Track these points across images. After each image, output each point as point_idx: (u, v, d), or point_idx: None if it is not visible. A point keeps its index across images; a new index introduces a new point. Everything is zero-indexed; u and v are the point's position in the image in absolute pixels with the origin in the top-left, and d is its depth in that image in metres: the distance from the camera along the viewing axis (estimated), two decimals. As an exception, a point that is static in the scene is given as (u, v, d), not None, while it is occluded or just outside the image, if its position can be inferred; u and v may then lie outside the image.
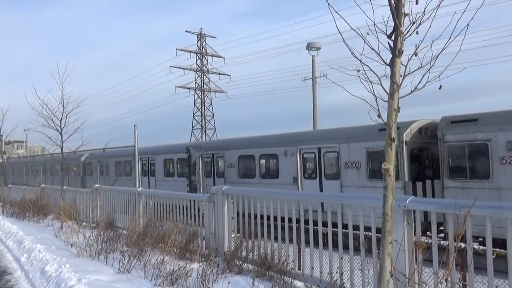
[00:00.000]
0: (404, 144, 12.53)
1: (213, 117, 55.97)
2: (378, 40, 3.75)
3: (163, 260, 6.90)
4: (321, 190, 14.66)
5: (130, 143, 19.76)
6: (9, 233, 12.69)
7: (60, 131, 13.71)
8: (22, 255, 9.62)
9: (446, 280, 4.00)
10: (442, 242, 4.32)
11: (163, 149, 24.25)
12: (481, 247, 4.15)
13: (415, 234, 4.52)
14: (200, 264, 6.76)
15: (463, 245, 4.02)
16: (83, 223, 12.57)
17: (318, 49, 26.49)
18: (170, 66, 53.62)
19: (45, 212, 15.51)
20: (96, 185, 13.42)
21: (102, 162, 27.02)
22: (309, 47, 26.31)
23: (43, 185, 19.22)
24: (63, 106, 13.55)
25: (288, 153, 16.03)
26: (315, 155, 15.19)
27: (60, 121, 13.62)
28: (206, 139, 51.10)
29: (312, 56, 26.71)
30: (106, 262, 7.71)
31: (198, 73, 55.46)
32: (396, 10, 3.62)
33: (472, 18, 3.58)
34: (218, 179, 19.48)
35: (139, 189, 10.93)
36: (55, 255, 8.45)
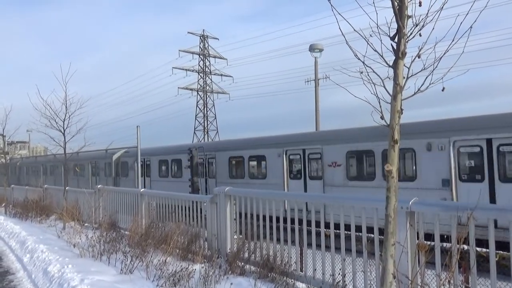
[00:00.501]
0: None
1: (216, 118, 56.09)
2: (381, 42, 3.76)
3: (165, 261, 6.92)
4: (492, 198, 10.95)
5: (133, 144, 19.74)
6: (12, 233, 12.72)
7: (63, 131, 13.77)
8: (25, 255, 9.65)
9: (449, 282, 4.00)
10: (445, 244, 4.30)
11: (228, 145, 19.39)
12: (484, 249, 4.13)
13: (418, 236, 4.52)
14: (203, 265, 6.77)
15: (466, 247, 4.02)
16: (86, 224, 12.59)
17: (320, 50, 26.52)
18: (173, 67, 53.81)
19: (48, 212, 15.57)
20: (99, 186, 13.46)
21: (142, 160, 23.08)
22: (312, 48, 26.34)
23: (45, 185, 19.27)
24: (66, 106, 13.63)
25: (433, 147, 12.07)
26: (481, 149, 11.14)
27: (63, 121, 13.69)
28: (208, 140, 51.09)
29: (315, 58, 26.75)
30: (109, 262, 7.73)
31: (200, 74, 55.57)
32: (400, 12, 3.62)
33: (475, 20, 3.58)
34: (312, 181, 15.37)
35: (141, 190, 10.95)
36: (57, 256, 8.48)
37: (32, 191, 19.49)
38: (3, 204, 21.03)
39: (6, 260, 10.09)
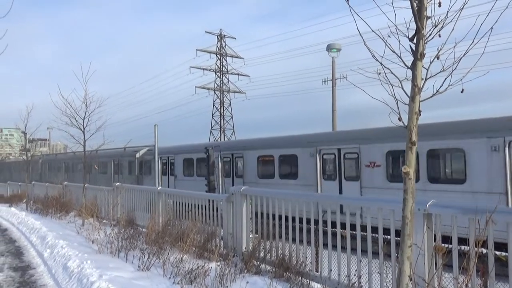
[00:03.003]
0: None
1: (232, 117, 56.26)
2: (400, 43, 3.74)
3: (182, 258, 6.99)
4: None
5: (151, 142, 19.89)
6: (33, 229, 13.01)
7: (83, 129, 14.02)
8: (45, 251, 9.86)
9: (466, 285, 3.96)
10: (463, 247, 4.25)
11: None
12: (503, 253, 4.07)
13: (435, 239, 4.48)
14: (218, 263, 6.82)
15: (484, 250, 3.97)
16: (104, 221, 12.80)
17: (338, 50, 26.34)
18: (190, 67, 54.14)
19: (67, 209, 15.88)
20: (117, 183, 13.66)
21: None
22: (329, 48, 26.19)
23: (65, 182, 19.64)
24: (86, 105, 13.86)
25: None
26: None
27: (83, 120, 13.92)
28: (224, 139, 51.26)
29: (332, 57, 26.59)
30: (126, 259, 7.85)
31: (217, 73, 55.80)
32: (419, 13, 3.59)
33: (496, 21, 3.53)
34: None
35: (158, 188, 11.08)
36: (77, 251, 8.64)
37: (52, 187, 19.88)
38: (24, 200, 21.51)
39: (27, 255, 10.33)
